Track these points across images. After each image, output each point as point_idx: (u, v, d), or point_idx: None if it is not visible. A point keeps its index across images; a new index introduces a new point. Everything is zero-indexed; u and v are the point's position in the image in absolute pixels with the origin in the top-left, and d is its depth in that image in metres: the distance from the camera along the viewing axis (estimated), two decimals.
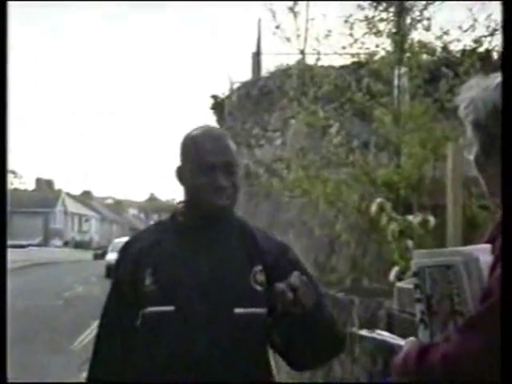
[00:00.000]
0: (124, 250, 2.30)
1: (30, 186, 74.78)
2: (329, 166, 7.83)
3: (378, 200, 6.29)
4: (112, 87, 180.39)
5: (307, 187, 7.68)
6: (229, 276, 2.16)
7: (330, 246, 8.59)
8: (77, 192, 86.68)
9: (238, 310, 2.13)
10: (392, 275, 5.90)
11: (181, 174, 2.24)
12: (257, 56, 13.86)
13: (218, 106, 15.17)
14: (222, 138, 2.22)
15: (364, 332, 1.89)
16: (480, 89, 1.67)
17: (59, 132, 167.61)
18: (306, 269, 2.29)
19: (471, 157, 1.72)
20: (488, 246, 1.63)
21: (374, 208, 6.24)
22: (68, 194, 77.24)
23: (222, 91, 15.50)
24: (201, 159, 2.16)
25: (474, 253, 1.59)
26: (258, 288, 2.18)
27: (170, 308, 2.11)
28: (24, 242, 50.25)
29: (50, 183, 77.17)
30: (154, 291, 2.13)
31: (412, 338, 1.69)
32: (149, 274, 2.15)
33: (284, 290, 1.96)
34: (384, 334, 1.84)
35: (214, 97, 15.82)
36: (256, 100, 11.57)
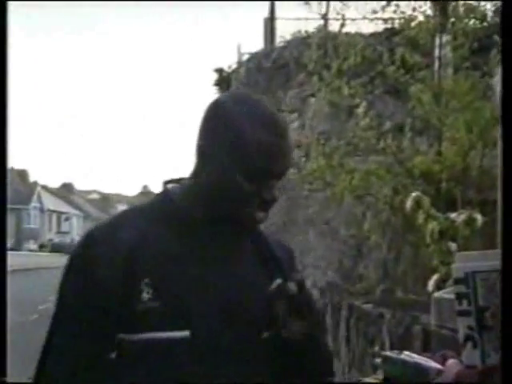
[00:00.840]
0: (102, 246, 1.92)
1: None
2: (356, 154, 7.84)
3: (415, 194, 6.27)
4: (102, 68, 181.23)
5: (330, 179, 7.69)
6: (248, 291, 1.97)
7: (358, 249, 8.61)
8: (55, 185, 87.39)
9: (267, 335, 1.95)
10: (431, 284, 5.88)
11: (207, 157, 1.94)
12: (270, 22, 13.87)
13: (224, 81, 15.21)
14: (287, 132, 1.93)
15: (390, 353, 1.86)
16: None
17: (34, 115, 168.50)
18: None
19: None
20: None
21: (409, 204, 6.22)
22: (45, 188, 77.73)
23: (228, 64, 15.55)
24: (257, 161, 1.87)
25: None
26: None
27: (185, 333, 1.87)
28: None
29: (23, 174, 77.58)
30: (156, 310, 1.86)
31: (454, 360, 1.68)
32: (146, 284, 1.87)
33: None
34: (414, 357, 1.81)
35: (219, 70, 15.85)
36: (269, 74, 11.58)
